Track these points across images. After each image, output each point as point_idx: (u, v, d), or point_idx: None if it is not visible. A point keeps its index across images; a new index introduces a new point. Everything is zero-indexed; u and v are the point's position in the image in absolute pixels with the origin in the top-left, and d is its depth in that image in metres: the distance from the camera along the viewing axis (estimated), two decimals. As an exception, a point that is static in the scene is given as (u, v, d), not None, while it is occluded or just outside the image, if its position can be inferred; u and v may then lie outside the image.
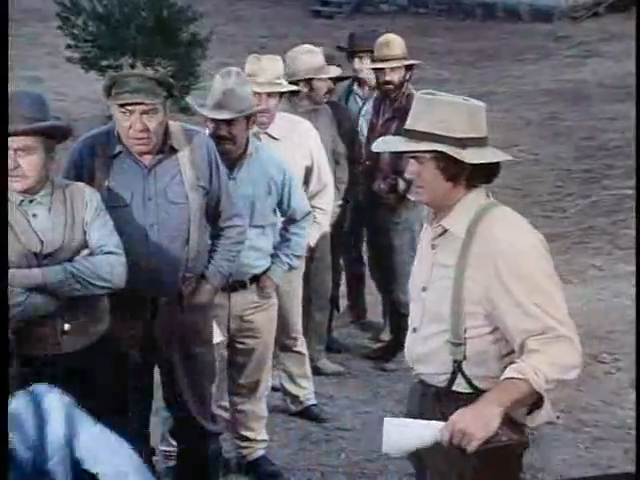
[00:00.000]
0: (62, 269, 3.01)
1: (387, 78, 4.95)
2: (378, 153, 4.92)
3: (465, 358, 2.52)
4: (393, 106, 4.95)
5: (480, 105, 2.58)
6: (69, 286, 3.01)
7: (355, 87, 5.50)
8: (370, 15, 15.91)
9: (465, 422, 2.36)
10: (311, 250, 4.53)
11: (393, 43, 4.96)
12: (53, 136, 3.04)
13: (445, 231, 2.58)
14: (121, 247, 3.13)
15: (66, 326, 3.07)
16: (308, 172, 4.47)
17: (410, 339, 2.68)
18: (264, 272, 3.93)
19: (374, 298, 5.59)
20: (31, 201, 3.05)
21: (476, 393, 2.51)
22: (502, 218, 2.55)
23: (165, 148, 3.38)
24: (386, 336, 5.35)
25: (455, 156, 2.47)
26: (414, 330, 2.65)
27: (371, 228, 5.28)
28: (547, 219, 7.31)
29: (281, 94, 4.31)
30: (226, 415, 4.05)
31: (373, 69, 5.12)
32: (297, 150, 4.33)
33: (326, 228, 4.62)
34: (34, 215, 3.05)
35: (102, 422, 3.16)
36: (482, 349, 2.52)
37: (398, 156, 4.88)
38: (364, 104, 5.35)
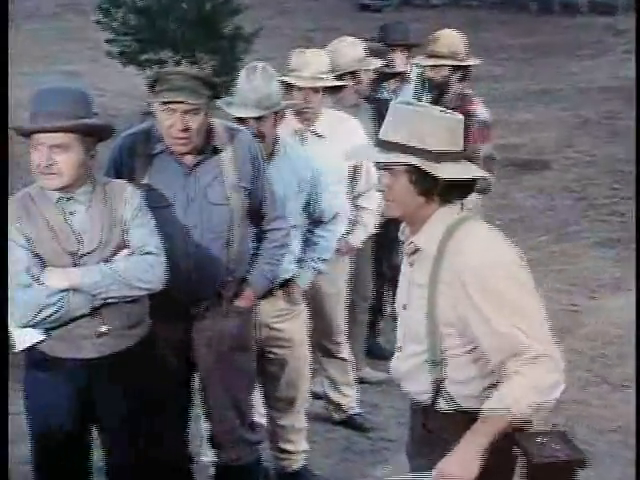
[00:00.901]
0: (99, 269, 3.02)
1: (428, 75, 4.96)
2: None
3: (445, 377, 2.54)
4: (444, 107, 4.93)
5: (458, 118, 2.56)
6: (106, 287, 3.01)
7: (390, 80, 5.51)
8: (419, 8, 15.85)
9: (450, 467, 2.45)
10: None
11: (441, 40, 4.92)
12: (92, 134, 3.04)
13: (418, 248, 2.58)
14: (161, 248, 3.13)
15: (103, 328, 3.07)
16: (356, 171, 4.45)
17: (395, 358, 2.72)
18: (291, 278, 3.92)
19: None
20: (69, 199, 3.06)
21: (460, 411, 2.54)
22: (471, 232, 2.52)
23: (207, 148, 3.40)
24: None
25: (428, 170, 2.45)
26: (399, 349, 2.69)
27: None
28: (603, 223, 7.23)
29: (326, 90, 4.32)
30: (264, 423, 4.06)
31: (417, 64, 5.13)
32: (344, 148, 4.32)
33: (373, 229, 4.61)
34: (72, 213, 3.06)
35: (140, 427, 3.23)
36: (462, 368, 2.53)
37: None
38: (394, 97, 5.34)
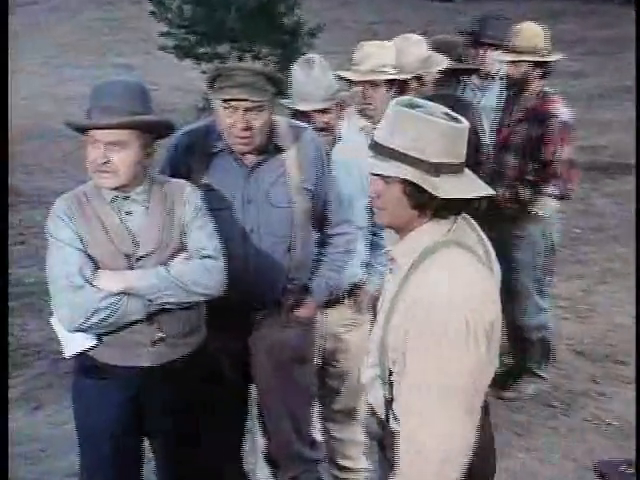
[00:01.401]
0: (156, 272, 3.03)
1: (506, 71, 4.91)
2: (503, 155, 4.89)
3: (393, 398, 2.48)
4: (524, 106, 4.90)
5: (464, 126, 2.44)
6: (163, 291, 3.01)
7: (470, 76, 5.45)
8: (494, -1, 15.75)
9: None
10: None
11: (522, 33, 4.85)
12: (150, 131, 3.04)
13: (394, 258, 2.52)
14: (220, 251, 3.14)
15: (158, 335, 3.09)
16: None
17: (363, 363, 2.68)
18: (359, 284, 3.91)
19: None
20: (125, 198, 3.07)
21: None
22: (442, 264, 2.38)
23: (269, 147, 3.40)
24: (507, 359, 5.30)
25: (426, 188, 2.34)
26: (367, 354, 2.65)
27: (490, 241, 5.21)
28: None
29: (390, 85, 4.26)
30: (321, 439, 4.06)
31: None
32: None
33: None
34: (128, 213, 3.08)
35: (194, 442, 3.25)
36: None
37: (525, 160, 4.83)
38: (480, 96, 5.29)
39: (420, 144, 2.34)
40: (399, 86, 4.44)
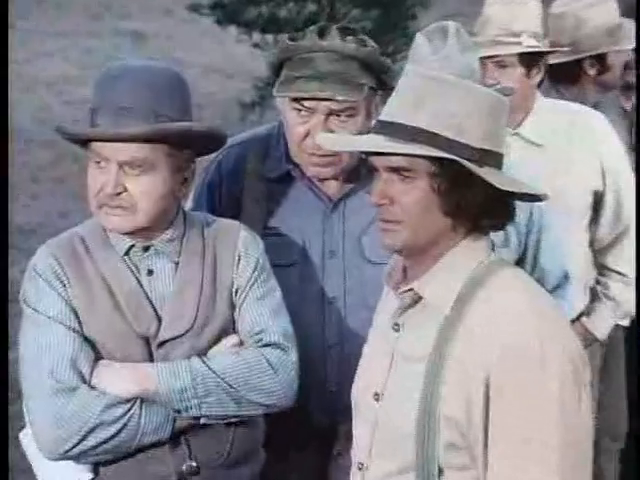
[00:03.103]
0: (189, 367, 3.02)
1: None
2: None
3: None
4: None
5: (506, 101, 2.54)
6: (198, 398, 3.01)
7: None
8: None
9: None
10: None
11: None
12: (187, 145, 3.04)
13: (419, 300, 2.56)
14: (292, 337, 3.14)
15: (190, 464, 3.08)
16: (597, 201, 4.40)
17: None
18: None
19: None
20: (146, 249, 3.08)
21: None
22: (511, 290, 2.50)
23: (362, 171, 3.41)
24: None
25: (482, 176, 2.41)
26: (359, 467, 2.67)
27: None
28: None
29: (532, 64, 4.24)
30: None
31: None
32: (576, 163, 4.28)
33: (630, 308, 4.48)
34: (149, 272, 3.09)
35: None
36: None
37: None
38: None
39: (459, 122, 2.44)
40: (566, 69, 4.48)
